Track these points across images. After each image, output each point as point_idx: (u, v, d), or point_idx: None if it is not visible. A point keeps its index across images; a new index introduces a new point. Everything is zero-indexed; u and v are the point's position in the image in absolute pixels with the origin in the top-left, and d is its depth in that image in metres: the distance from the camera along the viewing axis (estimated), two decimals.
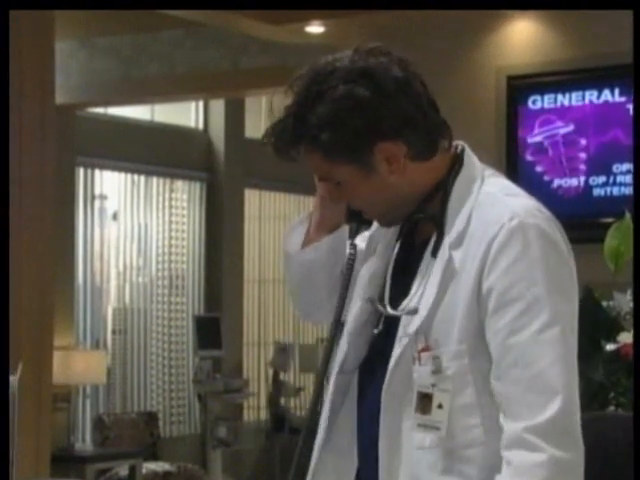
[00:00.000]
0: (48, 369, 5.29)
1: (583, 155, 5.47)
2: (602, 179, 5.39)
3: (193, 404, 8.42)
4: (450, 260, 1.57)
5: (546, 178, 5.56)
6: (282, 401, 8.86)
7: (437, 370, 1.57)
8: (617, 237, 3.07)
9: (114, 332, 8.08)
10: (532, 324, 1.52)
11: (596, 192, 5.40)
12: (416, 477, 1.58)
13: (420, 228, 1.65)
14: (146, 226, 8.31)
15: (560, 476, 1.51)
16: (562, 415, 1.52)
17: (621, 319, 3.01)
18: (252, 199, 9.18)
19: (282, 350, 8.84)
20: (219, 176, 8.67)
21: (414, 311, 1.57)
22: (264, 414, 9.04)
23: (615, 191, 5.31)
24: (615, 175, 5.33)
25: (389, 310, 1.61)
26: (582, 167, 5.47)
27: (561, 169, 5.52)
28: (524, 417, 1.52)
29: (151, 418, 7.74)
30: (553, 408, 1.51)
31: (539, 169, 5.59)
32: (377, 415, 1.61)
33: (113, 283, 8.17)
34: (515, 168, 5.61)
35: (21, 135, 5.18)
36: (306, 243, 1.77)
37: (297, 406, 9.26)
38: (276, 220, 9.48)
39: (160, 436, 7.78)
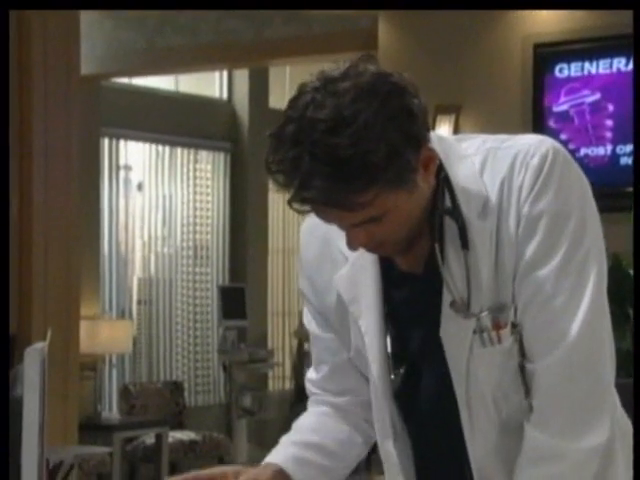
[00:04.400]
0: (75, 338, 5.33)
1: (610, 123, 5.42)
2: (629, 147, 5.34)
3: (218, 374, 8.47)
4: (490, 238, 1.47)
5: (572, 147, 5.52)
6: (307, 371, 8.89)
7: (518, 337, 1.48)
8: None
9: (139, 302, 8.13)
10: (557, 254, 1.46)
11: (623, 161, 5.35)
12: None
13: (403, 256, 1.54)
14: (170, 197, 8.33)
15: (583, 414, 1.46)
16: (581, 341, 1.45)
17: None
18: None
19: None
20: (243, 146, 8.67)
21: (503, 308, 1.47)
22: (289, 384, 9.08)
23: None
24: None
25: (477, 314, 1.48)
26: (608, 135, 5.42)
27: (587, 138, 5.48)
28: (542, 355, 1.46)
29: (177, 387, 7.79)
30: (572, 335, 1.45)
31: (565, 138, 5.55)
32: (443, 425, 1.55)
33: (138, 254, 8.20)
34: None
35: (46, 106, 5.20)
36: None
37: None
38: None
39: (185, 405, 7.83)
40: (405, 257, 1.53)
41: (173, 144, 8.28)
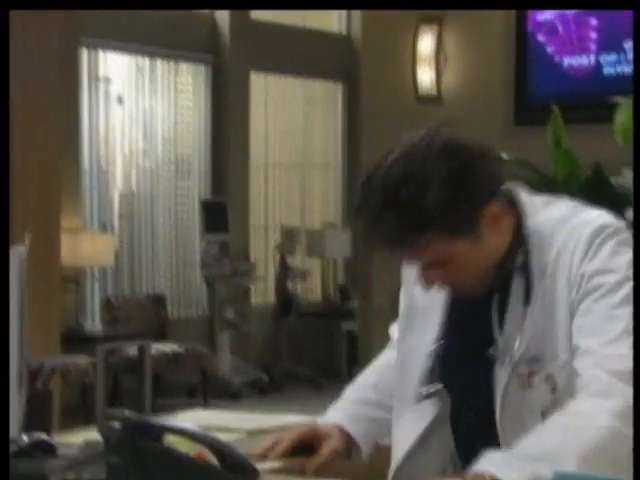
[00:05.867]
0: (56, 249, 5.32)
1: (594, 33, 5.37)
2: (613, 57, 5.30)
3: (201, 287, 8.51)
4: (543, 294, 1.66)
5: (556, 57, 5.47)
6: (289, 285, 8.94)
7: (554, 387, 1.65)
8: (627, 113, 3.04)
9: (121, 216, 8.11)
10: (609, 302, 1.62)
11: (606, 71, 5.31)
12: None
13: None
14: (151, 110, 8.24)
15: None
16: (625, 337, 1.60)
17: (630, 195, 3.00)
18: (258, 82, 9.08)
19: (289, 234, 8.88)
20: (225, 59, 8.56)
21: (537, 358, 1.66)
22: (271, 297, 9.13)
23: (626, 69, 5.22)
24: (626, 53, 5.24)
25: (508, 354, 1.68)
26: (592, 45, 5.38)
27: (571, 48, 5.43)
28: (598, 336, 1.61)
29: (159, 300, 7.83)
30: (624, 339, 1.59)
31: (549, 48, 5.50)
32: (476, 443, 1.67)
33: (119, 167, 8.15)
34: (525, 48, 5.53)
35: (23, 13, 5.10)
36: None
37: (304, 290, 9.34)
38: (283, 104, 9.39)
39: (168, 318, 7.87)
40: None
41: (153, 55, 8.17)
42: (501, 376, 1.68)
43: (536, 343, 1.66)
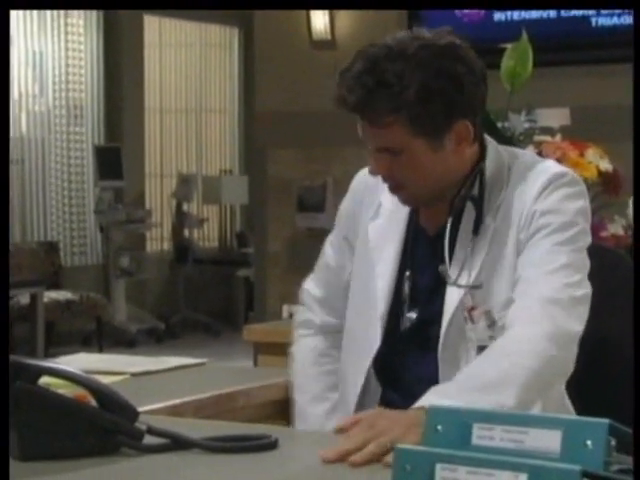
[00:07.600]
0: None
1: None
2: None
3: (95, 234, 8.39)
4: (494, 231, 1.71)
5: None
6: (186, 232, 8.89)
7: (491, 323, 1.68)
8: (514, 57, 3.07)
9: (11, 161, 7.93)
10: (554, 239, 1.68)
11: (497, 17, 5.36)
12: None
13: (428, 215, 1.77)
14: (41, 52, 8.04)
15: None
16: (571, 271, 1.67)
17: (515, 140, 3.05)
18: (152, 25, 8.93)
19: (185, 181, 8.81)
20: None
21: (479, 286, 1.70)
22: (167, 245, 9.07)
23: (515, 16, 5.27)
24: None
25: (456, 283, 1.71)
26: None
27: None
28: (538, 267, 1.67)
29: (52, 248, 7.70)
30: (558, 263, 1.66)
31: None
32: (423, 370, 1.73)
33: None
34: None
35: None
36: None
37: (201, 237, 9.30)
38: (178, 48, 9.26)
39: (61, 266, 7.76)
40: (427, 211, 1.77)
41: None
42: (449, 307, 1.72)
43: (482, 277, 1.70)
